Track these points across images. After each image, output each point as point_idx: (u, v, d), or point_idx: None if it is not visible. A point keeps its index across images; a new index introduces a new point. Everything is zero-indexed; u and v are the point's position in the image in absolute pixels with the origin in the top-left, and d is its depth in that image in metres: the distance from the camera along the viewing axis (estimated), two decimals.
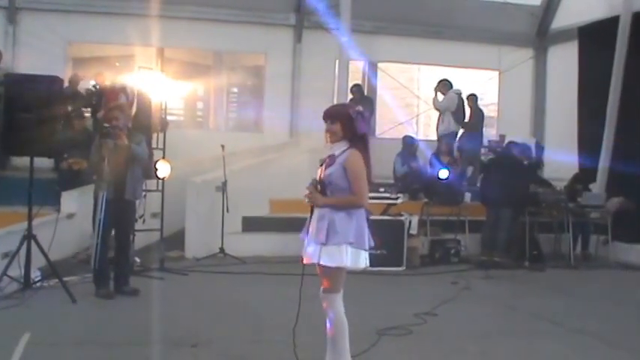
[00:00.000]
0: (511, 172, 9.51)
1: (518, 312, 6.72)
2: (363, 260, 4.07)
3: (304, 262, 4.11)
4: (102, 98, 10.94)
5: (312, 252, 4.05)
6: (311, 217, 4.11)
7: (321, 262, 3.98)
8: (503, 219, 9.44)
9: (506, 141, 11.35)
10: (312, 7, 12.12)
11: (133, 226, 7.13)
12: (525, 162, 10.31)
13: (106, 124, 6.53)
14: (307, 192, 4.11)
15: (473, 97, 12.42)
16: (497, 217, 9.52)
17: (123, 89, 10.85)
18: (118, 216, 6.48)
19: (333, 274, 4.02)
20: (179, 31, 12.17)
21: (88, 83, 11.22)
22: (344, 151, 4.08)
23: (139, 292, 6.64)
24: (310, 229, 4.10)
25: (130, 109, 6.85)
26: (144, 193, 8.03)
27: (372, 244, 4.14)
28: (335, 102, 11.22)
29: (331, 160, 4.11)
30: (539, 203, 9.76)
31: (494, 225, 9.53)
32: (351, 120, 4.07)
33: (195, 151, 10.92)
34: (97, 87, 10.65)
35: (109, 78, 11.12)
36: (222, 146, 9.30)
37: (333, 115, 4.13)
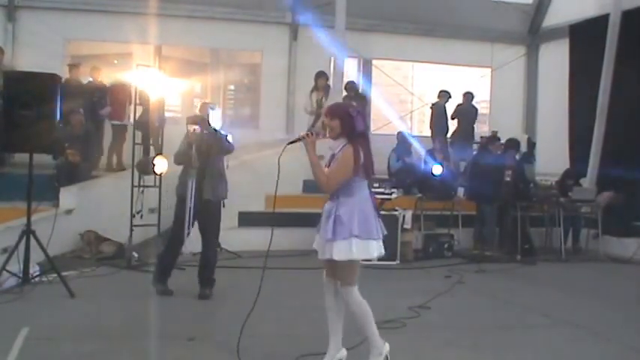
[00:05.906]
0: (495, 168, 9.62)
1: (511, 305, 6.76)
2: (374, 250, 4.18)
3: (320, 258, 4.26)
4: (105, 95, 10.97)
5: (323, 248, 4.20)
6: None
7: (334, 258, 4.11)
8: (489, 214, 9.56)
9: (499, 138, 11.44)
10: (308, 5, 12.21)
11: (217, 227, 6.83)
12: (517, 157, 10.43)
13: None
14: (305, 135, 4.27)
15: (468, 95, 12.53)
16: (484, 212, 9.64)
17: (128, 87, 10.86)
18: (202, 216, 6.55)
19: (346, 267, 4.16)
20: (176, 29, 12.20)
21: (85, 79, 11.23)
22: (341, 148, 4.23)
23: (210, 295, 6.47)
24: (320, 227, 4.26)
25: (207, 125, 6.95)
26: (141, 189, 8.10)
27: (385, 232, 4.24)
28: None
29: (333, 159, 4.29)
30: (530, 198, 9.85)
31: (486, 220, 9.65)
32: (350, 118, 4.21)
33: None
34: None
35: (106, 74, 11.14)
36: None
37: (333, 111, 4.29)
